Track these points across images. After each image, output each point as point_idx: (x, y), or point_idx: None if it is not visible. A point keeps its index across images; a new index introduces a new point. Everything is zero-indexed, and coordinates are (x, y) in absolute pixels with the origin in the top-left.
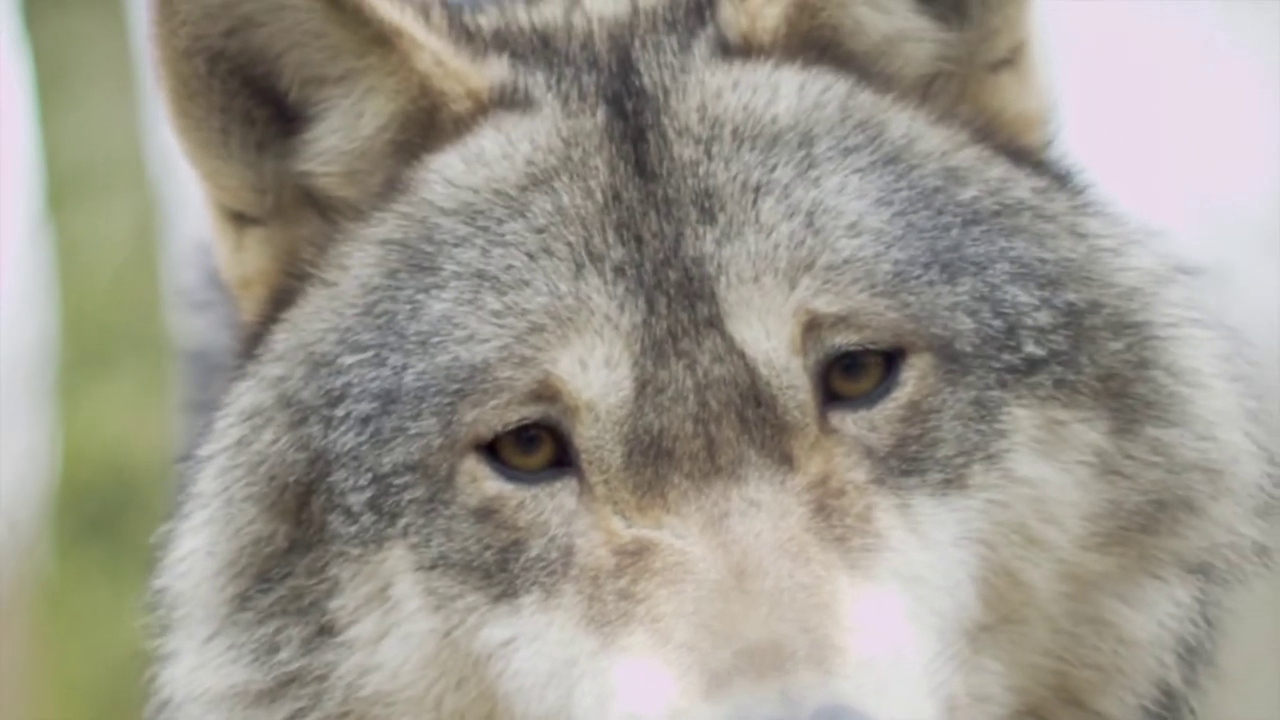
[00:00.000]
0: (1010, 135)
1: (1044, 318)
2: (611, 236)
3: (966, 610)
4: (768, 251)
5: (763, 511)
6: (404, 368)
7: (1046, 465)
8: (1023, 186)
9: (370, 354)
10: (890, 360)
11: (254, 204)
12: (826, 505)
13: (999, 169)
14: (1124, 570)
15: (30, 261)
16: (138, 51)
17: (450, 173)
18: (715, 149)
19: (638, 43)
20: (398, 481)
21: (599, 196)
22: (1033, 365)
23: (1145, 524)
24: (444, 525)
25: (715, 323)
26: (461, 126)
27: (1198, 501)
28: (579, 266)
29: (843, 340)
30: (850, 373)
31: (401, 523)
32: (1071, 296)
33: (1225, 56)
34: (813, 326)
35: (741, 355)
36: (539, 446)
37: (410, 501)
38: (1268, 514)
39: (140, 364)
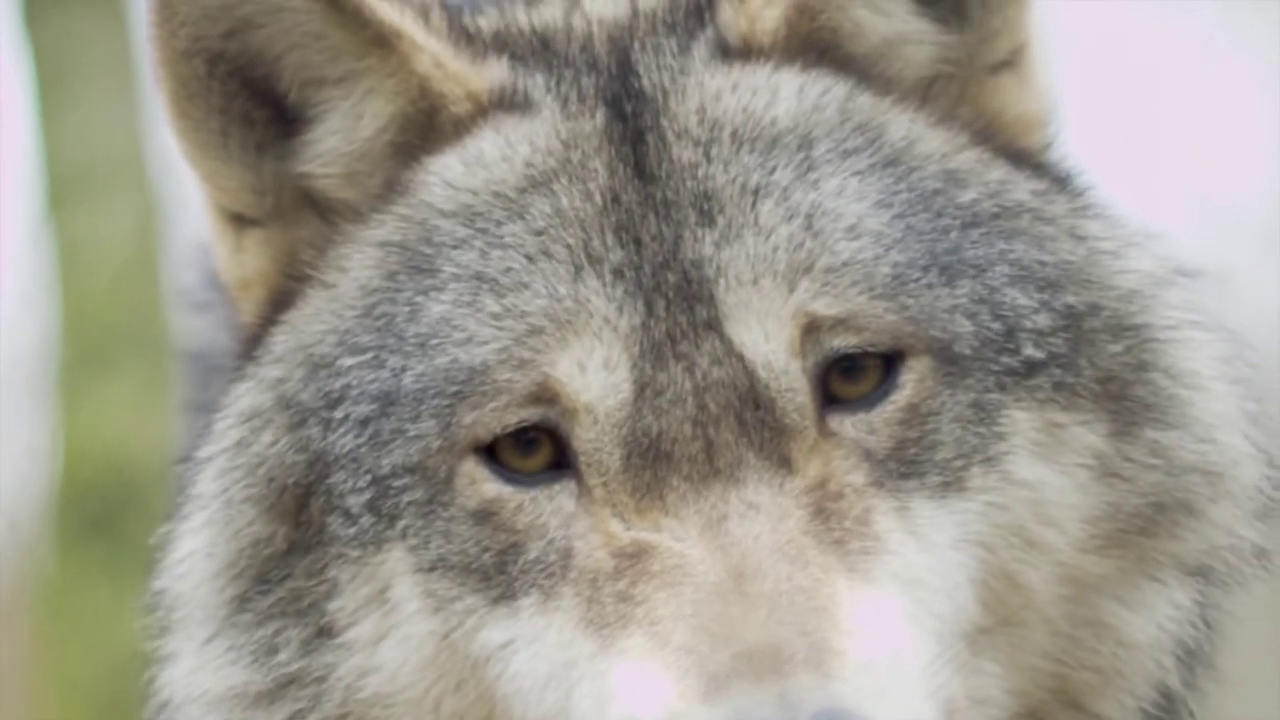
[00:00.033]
0: (1010, 137)
1: (1043, 320)
2: (610, 239)
3: (965, 613)
4: (767, 254)
5: (761, 514)
6: (403, 370)
7: (1045, 468)
8: (1022, 189)
9: (369, 356)
10: (889, 363)
11: (253, 205)
12: (825, 508)
13: (999, 171)
14: (1123, 573)
15: (31, 261)
16: (138, 51)
17: (449, 175)
18: (714, 151)
19: (637, 45)
20: (397, 483)
21: (598, 199)
22: (1032, 368)
23: (1144, 526)
24: (443, 527)
25: (714, 325)
26: (461, 128)
27: (1197, 504)
28: (578, 269)
29: (841, 343)
30: (849, 375)
31: (400, 525)
32: (1071, 299)
33: (1225, 57)
34: (812, 329)
35: (740, 358)
36: (538, 449)
37: (409, 503)
38: (1267, 517)
39: (141, 364)
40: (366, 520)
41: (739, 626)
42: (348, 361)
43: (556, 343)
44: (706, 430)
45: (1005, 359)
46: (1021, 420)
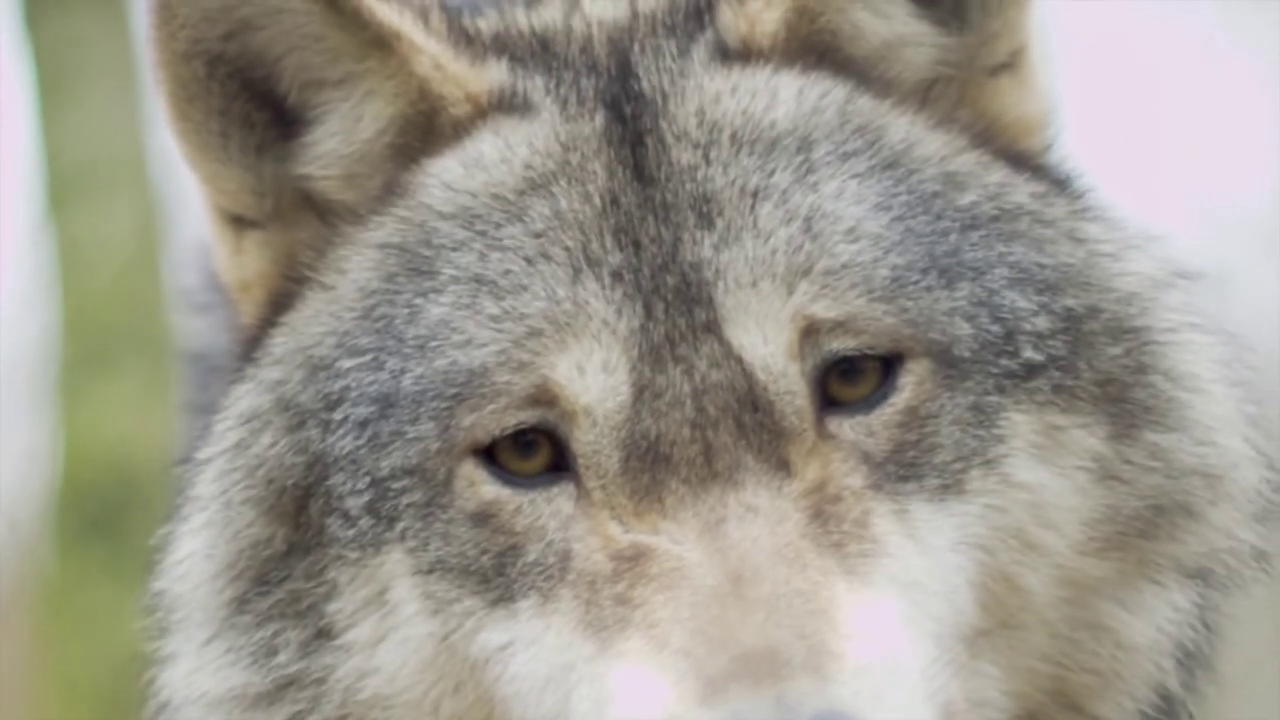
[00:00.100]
0: (1009, 140)
1: (1042, 323)
2: (609, 241)
3: (964, 615)
4: (765, 257)
5: (760, 517)
6: (402, 372)
7: (1045, 470)
8: (1021, 191)
9: (368, 358)
10: (888, 365)
11: (253, 207)
12: (823, 511)
13: (998, 174)
14: (1122, 575)
15: (32, 261)
16: (139, 52)
17: (448, 177)
18: (713, 154)
19: (637, 47)
20: (395, 485)
21: (597, 201)
22: (1031, 370)
23: (1144, 529)
24: (442, 529)
25: (713, 328)
26: (460, 130)
27: (1196, 506)
28: (577, 271)
29: (840, 345)
30: (848, 378)
31: (399, 526)
32: (1070, 302)
33: (1226, 57)
34: (810, 332)
35: (739, 360)
36: (536, 451)
37: (408, 505)
38: (1266, 519)
39: (142, 364)
40: (365, 522)
41: (737, 630)
42: (347, 363)
43: (555, 345)
44: (705, 433)
45: (1004, 361)
46: (1021, 423)
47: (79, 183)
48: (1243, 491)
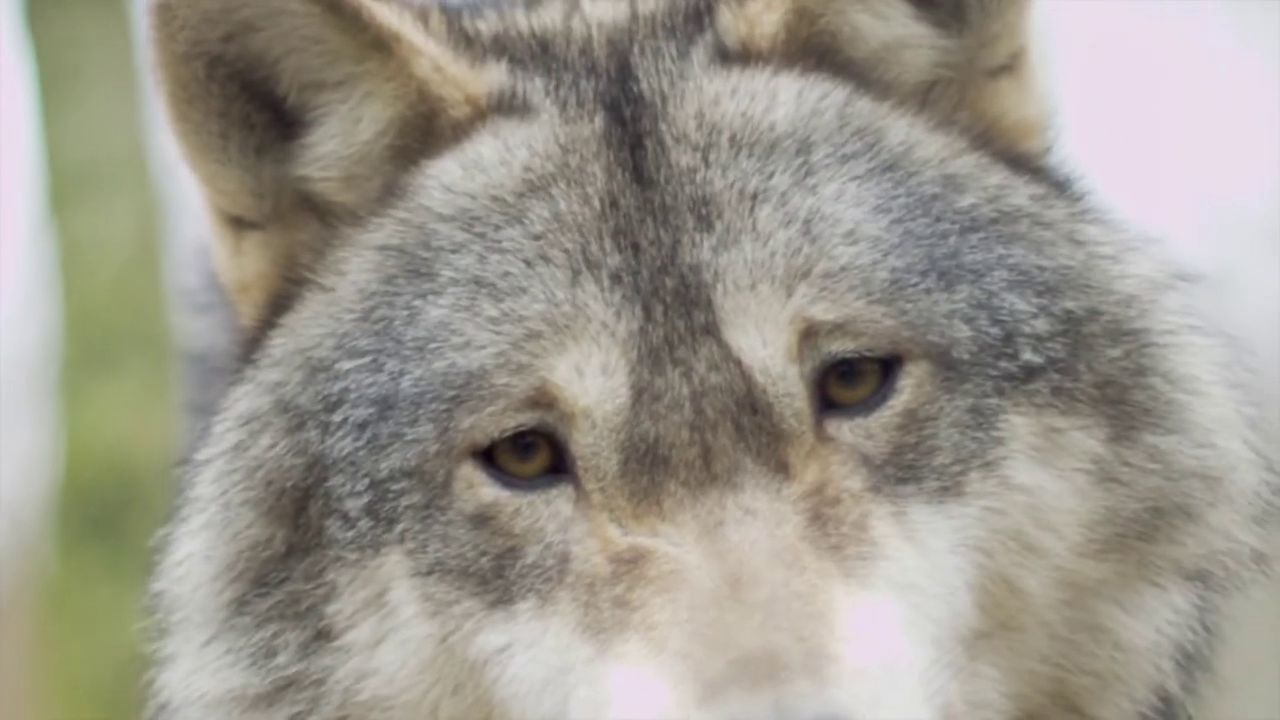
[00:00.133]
0: (1009, 142)
1: (1042, 325)
2: (609, 244)
3: (963, 618)
4: (764, 259)
5: (758, 520)
6: (401, 374)
7: (1044, 473)
8: (1021, 193)
9: (367, 359)
10: (887, 368)
11: (252, 208)
12: (822, 513)
13: (997, 176)
14: (1122, 577)
15: (33, 261)
16: (140, 52)
17: (448, 179)
18: (713, 156)
19: (636, 49)
20: (395, 487)
21: (596, 203)
22: (1030, 373)
23: (1143, 531)
24: (440, 531)
25: (712, 330)
26: (460, 132)
27: (1196, 509)
28: (576, 273)
29: (839, 348)
30: (847, 380)
31: (398, 528)
32: (1069, 304)
33: (1225, 57)
34: (809, 334)
35: (738, 363)
36: (535, 453)
37: (407, 507)
38: (1266, 521)
39: (143, 364)
40: (365, 524)
41: (735, 632)
42: (346, 365)
43: (554, 347)
44: (704, 435)
45: (1003, 364)
46: (1020, 425)
47: (80, 183)
48: (1242, 493)
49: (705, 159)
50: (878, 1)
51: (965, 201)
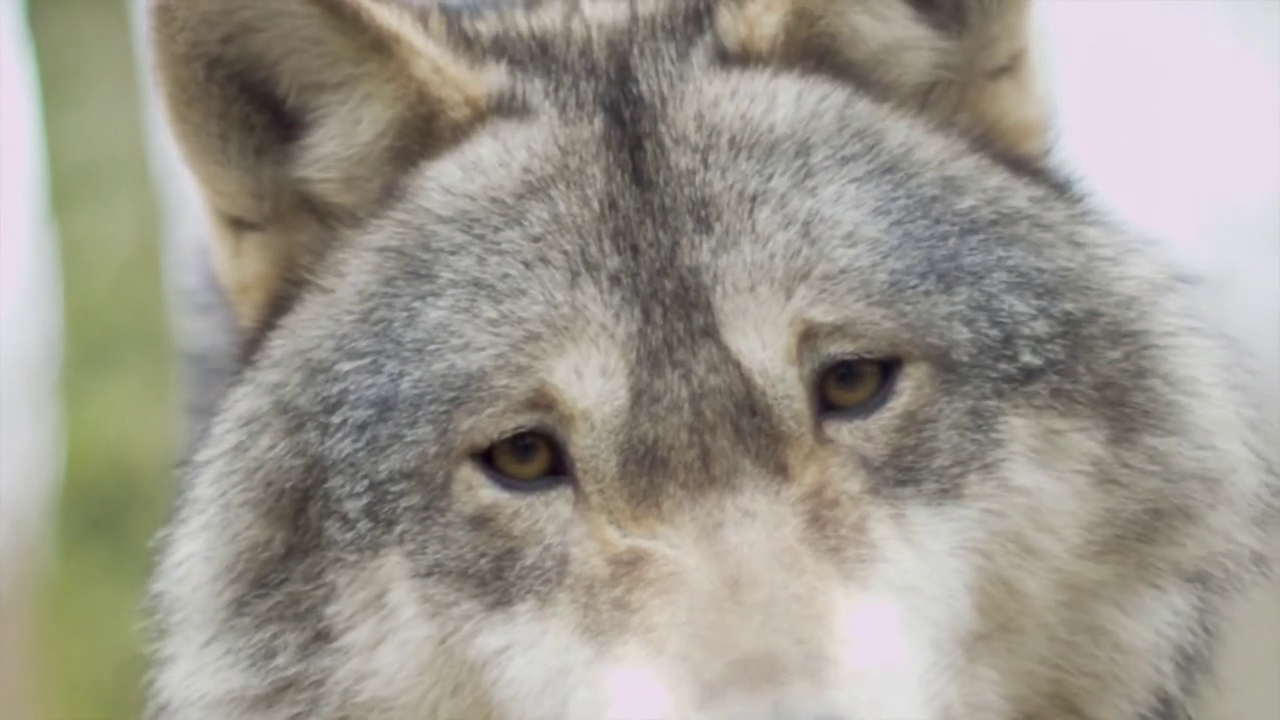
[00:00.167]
0: (1009, 143)
1: (1041, 327)
2: (608, 245)
3: (962, 620)
4: (764, 261)
5: (757, 522)
6: (400, 375)
7: (1043, 474)
8: (1020, 195)
9: (367, 361)
10: (886, 370)
11: (252, 209)
12: (821, 516)
13: (997, 178)
14: (1121, 579)
15: (34, 261)
16: (140, 52)
17: (447, 180)
18: (712, 158)
19: (636, 50)
20: (394, 489)
21: (595, 205)
22: (1030, 375)
23: (1143, 533)
24: (440, 533)
25: (711, 332)
26: (459, 134)
27: (1195, 510)
28: (575, 275)
29: (838, 350)
30: (846, 382)
31: (397, 530)
32: (1069, 305)
33: (1226, 57)
34: (808, 336)
35: (737, 365)
36: (534, 455)
37: (406, 509)
38: (1266, 523)
39: (143, 363)
40: (364, 525)
41: (734, 634)
42: (345, 366)
43: (553, 349)
44: (703, 437)
45: (1003, 366)
46: (1019, 427)
47: (80, 183)
48: (1242, 495)
49: (704, 161)
50: (877, 3)
51: (965, 203)
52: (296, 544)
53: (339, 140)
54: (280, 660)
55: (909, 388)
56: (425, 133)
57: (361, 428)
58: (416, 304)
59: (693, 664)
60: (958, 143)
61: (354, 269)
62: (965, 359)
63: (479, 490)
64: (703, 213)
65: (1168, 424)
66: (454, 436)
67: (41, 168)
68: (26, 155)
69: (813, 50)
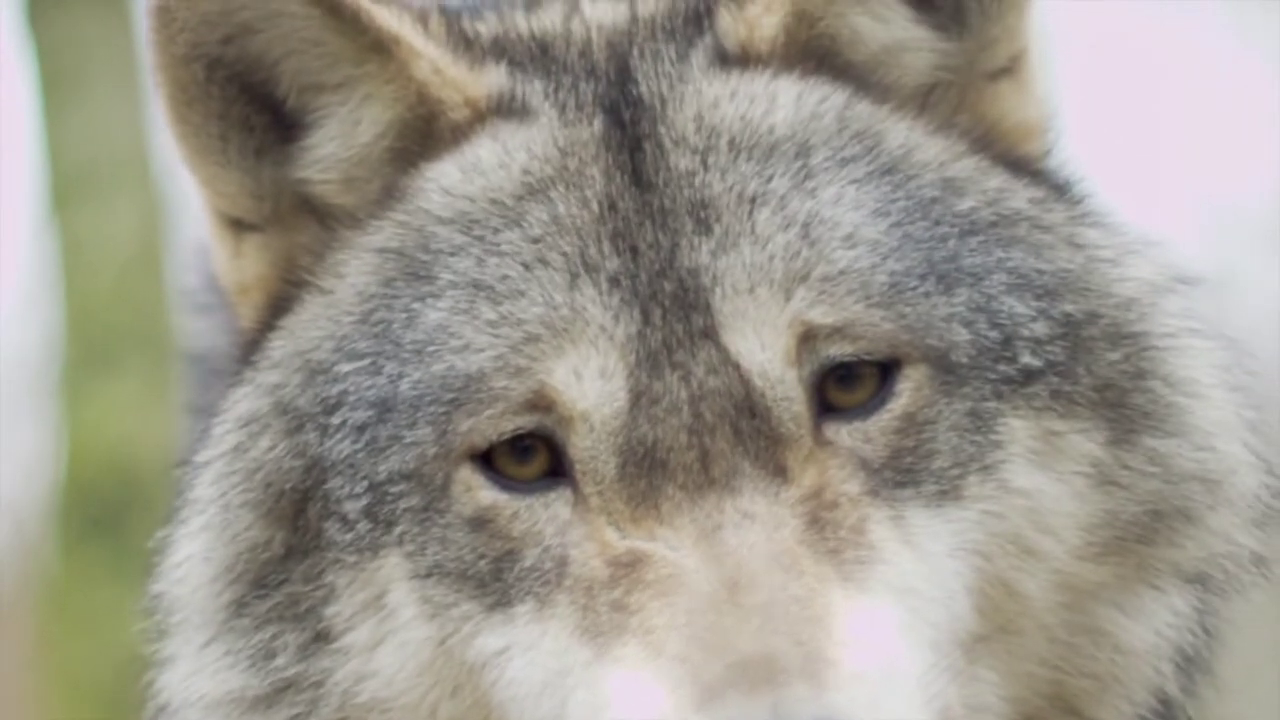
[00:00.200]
0: (1009, 145)
1: (1041, 329)
2: (607, 247)
3: (961, 621)
4: (763, 263)
5: (756, 524)
6: (400, 376)
7: (1042, 476)
8: (1020, 197)
9: (366, 362)
10: (885, 371)
11: (252, 210)
12: (820, 517)
13: (997, 179)
14: (1121, 580)
15: (35, 261)
16: (141, 51)
17: (447, 181)
18: (711, 159)
19: (636, 51)
20: (393, 490)
21: (595, 206)
22: (1029, 376)
23: (1142, 534)
24: (439, 534)
25: (710, 334)
26: (459, 135)
27: (1195, 512)
28: (574, 277)
29: (838, 351)
30: (845, 384)
31: (397, 531)
32: (1069, 307)
33: (1228, 57)
34: (808, 338)
35: (736, 367)
36: (534, 456)
37: (405, 510)
38: (1266, 524)
39: (145, 363)
40: (363, 526)
41: (733, 636)
42: (345, 367)
43: (553, 351)
44: (702, 439)
45: (1002, 367)
46: (1019, 428)
47: (81, 182)
48: (1242, 496)
49: (704, 162)
50: (877, 4)
51: (964, 205)
52: (296, 545)
53: (339, 141)
54: (280, 661)
55: (908, 389)
56: (425, 134)
57: (361, 429)
58: (416, 305)
59: (692, 666)
60: (958, 144)
61: (354, 270)
62: (965, 360)
63: (478, 491)
64: (702, 214)
65: (1167, 425)
66: (453, 438)
67: (42, 167)
68: (27, 155)
69: (813, 52)
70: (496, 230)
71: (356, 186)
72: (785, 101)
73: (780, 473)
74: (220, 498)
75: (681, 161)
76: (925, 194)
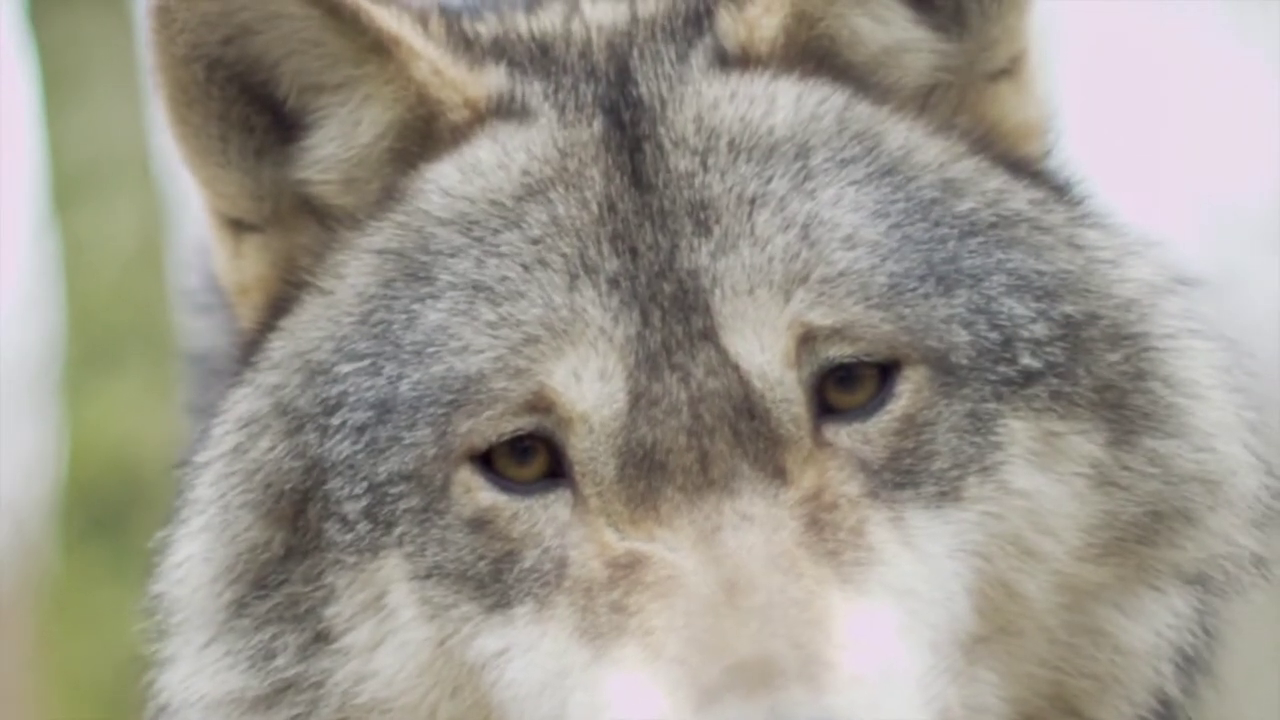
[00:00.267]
0: (1009, 146)
1: (1040, 330)
2: (606, 248)
3: (961, 623)
4: (762, 264)
5: (755, 525)
6: (399, 377)
7: (1042, 477)
8: (1020, 198)
9: (366, 363)
10: (885, 373)
11: (252, 211)
12: (819, 519)
13: (997, 180)
14: (1121, 581)
15: (36, 261)
16: (141, 52)
17: (446, 182)
18: (711, 160)
19: (636, 52)
20: (393, 491)
21: (594, 208)
22: (1029, 377)
23: (1142, 535)
24: (438, 535)
25: (709, 335)
26: (458, 136)
27: (1195, 513)
28: (573, 278)
29: (837, 353)
30: (845, 385)
31: (397, 532)
32: (1068, 308)
33: (1226, 57)
34: (807, 339)
35: (735, 368)
36: (533, 458)
37: (405, 511)
38: (1266, 525)
39: (146, 363)
40: (363, 527)
41: (731, 639)
42: (345, 368)
43: (552, 352)
44: (701, 441)
45: (1002, 368)
46: (1018, 430)
47: (82, 182)
48: (1242, 497)
49: (704, 163)
50: (877, 5)
51: (964, 206)
52: (296, 545)
53: (339, 142)
54: (280, 661)
55: (908, 391)
56: (425, 135)
57: (361, 430)
58: (415, 306)
59: (690, 668)
60: (958, 145)
61: (353, 271)
62: (964, 362)
63: (477, 493)
64: (702, 215)
65: (1167, 426)
66: (453, 439)
67: (43, 167)
68: (28, 155)
69: (812, 53)
70: (496, 231)
71: (356, 187)
72: (785, 103)
73: (779, 474)
74: (220, 498)
75: (681, 163)
76: (925, 195)
